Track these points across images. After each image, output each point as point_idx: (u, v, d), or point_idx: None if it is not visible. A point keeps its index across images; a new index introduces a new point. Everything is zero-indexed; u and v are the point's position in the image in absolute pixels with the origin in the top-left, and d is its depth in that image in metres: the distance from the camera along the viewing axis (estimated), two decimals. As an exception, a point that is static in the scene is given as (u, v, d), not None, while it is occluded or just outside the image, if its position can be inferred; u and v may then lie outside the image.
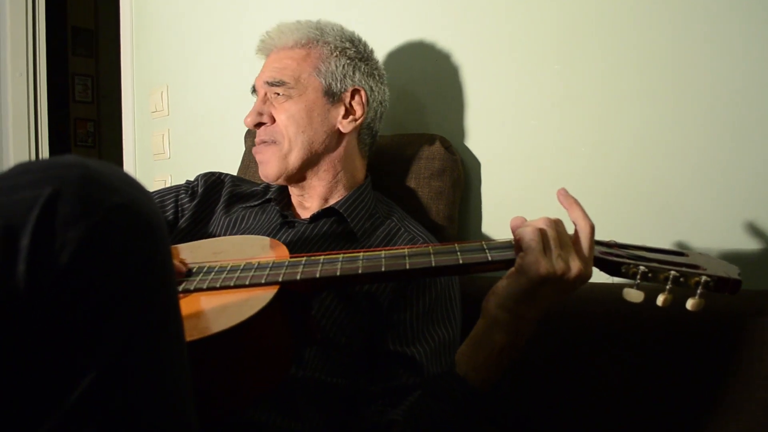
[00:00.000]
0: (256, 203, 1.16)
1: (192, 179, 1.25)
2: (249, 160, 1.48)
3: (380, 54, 1.40)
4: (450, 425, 0.83)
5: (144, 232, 0.54)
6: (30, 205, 0.49)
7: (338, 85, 1.09)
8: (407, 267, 0.78)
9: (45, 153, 2.71)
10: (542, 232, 0.76)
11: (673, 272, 0.75)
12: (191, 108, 1.90)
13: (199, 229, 1.15)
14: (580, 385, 1.04)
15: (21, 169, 0.52)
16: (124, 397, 0.53)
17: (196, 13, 1.88)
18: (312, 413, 0.93)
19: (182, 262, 0.89)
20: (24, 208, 0.49)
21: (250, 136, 1.52)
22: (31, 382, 0.50)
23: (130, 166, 2.10)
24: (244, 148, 1.53)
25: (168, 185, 1.92)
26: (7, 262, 0.48)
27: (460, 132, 1.33)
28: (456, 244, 0.81)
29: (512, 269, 0.78)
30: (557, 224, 0.78)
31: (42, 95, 2.70)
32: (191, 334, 0.69)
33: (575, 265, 0.76)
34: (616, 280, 0.82)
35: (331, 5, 1.53)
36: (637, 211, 1.13)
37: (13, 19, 2.58)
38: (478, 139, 1.31)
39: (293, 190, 1.15)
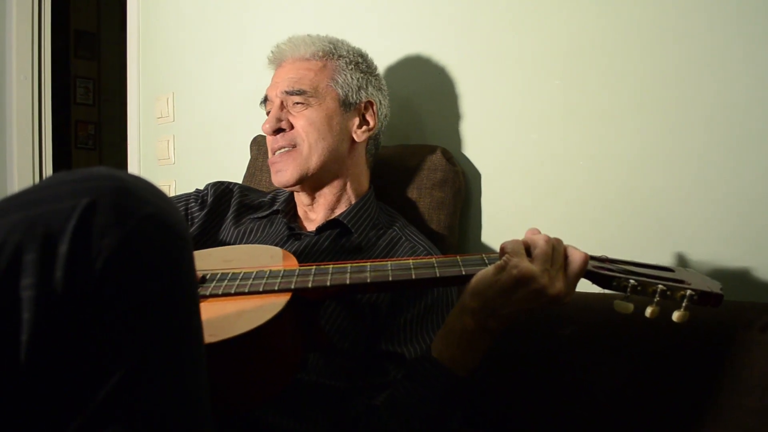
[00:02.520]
0: (264, 215, 1.18)
1: (201, 188, 1.27)
2: (255, 168, 1.50)
3: (384, 66, 1.43)
4: (425, 405, 0.86)
5: (171, 241, 0.57)
6: (68, 214, 0.53)
7: (354, 96, 1.14)
8: (413, 277, 0.82)
9: (48, 155, 2.74)
10: (526, 243, 0.80)
11: (660, 286, 0.80)
12: (197, 115, 1.93)
13: (208, 238, 1.18)
14: (571, 393, 1.07)
15: (58, 180, 0.56)
16: (148, 396, 0.56)
17: (202, 20, 1.91)
18: (314, 415, 0.96)
19: None
20: (62, 217, 0.53)
21: (255, 144, 1.54)
22: (63, 379, 0.53)
23: (134, 170, 2.13)
24: (249, 156, 1.55)
25: (173, 190, 1.96)
26: (46, 268, 0.51)
27: (462, 143, 1.36)
28: (458, 257, 0.85)
29: (498, 262, 0.80)
30: (554, 242, 0.81)
31: (46, 98, 2.72)
32: (209, 337, 0.72)
33: (558, 285, 0.79)
34: (608, 292, 0.85)
35: (336, 17, 1.56)
36: (635, 224, 1.15)
37: (18, 23, 2.60)
38: (479, 150, 1.34)
39: (301, 200, 1.17)
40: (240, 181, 1.48)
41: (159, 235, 0.56)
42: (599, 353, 1.06)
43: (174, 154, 1.99)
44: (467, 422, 1.03)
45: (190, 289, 0.60)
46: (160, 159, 2.03)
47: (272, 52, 1.19)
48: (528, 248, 0.81)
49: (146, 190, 0.57)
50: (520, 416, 1.12)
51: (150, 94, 2.08)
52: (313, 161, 1.10)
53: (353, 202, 1.15)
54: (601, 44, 1.19)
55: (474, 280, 0.82)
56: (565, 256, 0.82)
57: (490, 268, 0.80)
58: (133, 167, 2.14)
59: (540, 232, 0.85)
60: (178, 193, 1.31)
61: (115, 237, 0.53)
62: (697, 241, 1.09)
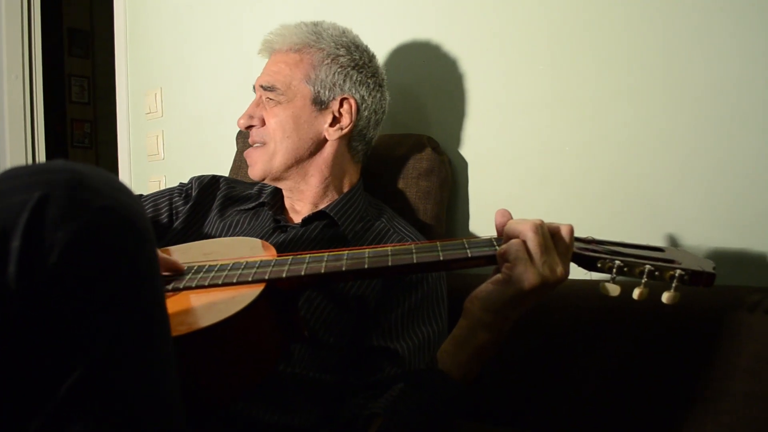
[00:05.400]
0: (249, 207, 1.17)
1: (185, 181, 1.26)
2: (241, 161, 1.50)
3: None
4: (432, 419, 0.85)
5: (129, 233, 0.56)
6: (20, 208, 0.52)
7: (327, 93, 1.10)
8: (389, 264, 0.80)
9: (41, 154, 2.72)
10: (527, 244, 0.78)
11: (648, 266, 0.76)
12: (185, 110, 1.92)
13: (193, 232, 1.17)
14: (559, 380, 1.06)
15: (10, 175, 0.55)
16: (111, 391, 0.55)
17: (190, 15, 1.90)
18: (301, 407, 0.95)
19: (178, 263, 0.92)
20: (14, 212, 0.51)
21: (241, 137, 1.53)
22: (22, 377, 0.52)
23: (125, 167, 2.12)
24: (236, 149, 1.55)
25: (163, 185, 1.95)
26: None
27: (448, 132, 1.34)
28: (438, 242, 0.83)
29: (498, 276, 0.79)
30: (541, 228, 0.79)
31: (38, 97, 2.70)
32: (179, 329, 0.71)
33: (559, 270, 0.78)
34: (595, 275, 0.83)
35: (322, 6, 1.55)
36: (624, 210, 1.14)
37: (8, 21, 2.58)
38: (465, 139, 1.33)
39: (285, 192, 1.17)
40: (226, 174, 1.48)
41: (115, 227, 0.55)
42: (586, 341, 1.05)
43: (163, 150, 1.98)
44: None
45: (151, 282, 0.58)
46: (149, 155, 2.02)
47: (263, 41, 1.17)
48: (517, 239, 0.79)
49: (103, 182, 0.56)
50: (510, 404, 1.11)
51: (138, 90, 2.07)
52: (277, 160, 1.10)
53: (337, 197, 1.14)
54: (588, 29, 1.18)
55: (483, 295, 0.81)
56: (553, 236, 0.80)
57: (495, 284, 0.80)
58: (124, 164, 2.12)
59: (510, 215, 0.83)
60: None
61: (69, 230, 0.52)
62: (686, 225, 1.08)
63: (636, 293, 0.77)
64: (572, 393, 1.05)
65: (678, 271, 0.76)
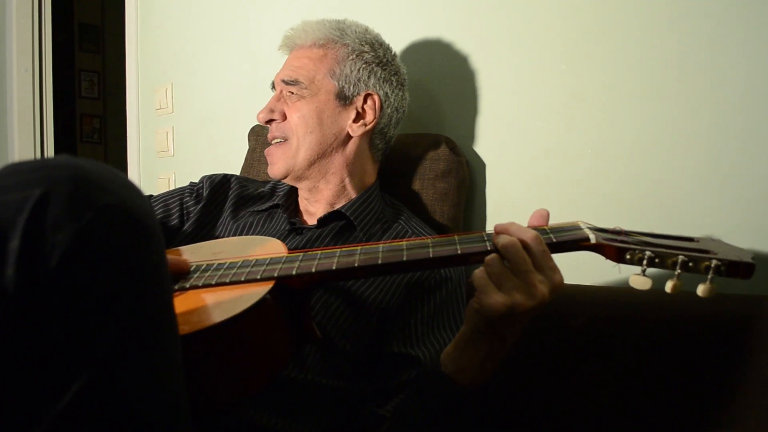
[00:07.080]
0: (263, 208, 1.15)
1: (196, 181, 1.23)
2: (252, 158, 1.47)
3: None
4: (437, 422, 0.81)
5: (135, 232, 0.53)
6: (19, 206, 0.49)
7: (351, 88, 1.09)
8: (404, 258, 0.76)
9: (50, 149, 2.72)
10: (489, 270, 0.73)
11: (681, 257, 0.71)
12: (195, 105, 1.90)
13: (205, 233, 1.14)
14: (577, 389, 1.03)
15: (11, 170, 0.52)
16: (117, 398, 0.52)
17: (201, 10, 1.88)
18: (312, 414, 0.92)
19: (184, 262, 0.89)
20: (13, 210, 0.49)
21: (254, 134, 1.51)
22: (23, 384, 0.50)
23: (134, 163, 2.10)
24: (247, 146, 1.52)
25: (172, 183, 1.93)
26: None
27: (466, 133, 1.31)
28: (456, 236, 0.79)
29: (473, 302, 0.75)
30: (507, 252, 0.72)
31: (48, 91, 2.69)
32: (183, 328, 0.68)
33: (539, 289, 0.72)
34: (623, 268, 0.78)
35: (338, 4, 1.52)
36: (642, 213, 1.12)
37: (19, 15, 2.58)
38: (483, 140, 1.30)
39: (302, 192, 1.14)
40: (238, 172, 1.45)
41: (120, 226, 0.52)
42: (603, 348, 1.02)
43: (173, 146, 1.96)
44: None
45: (158, 284, 0.55)
46: (159, 151, 2.00)
47: (284, 36, 1.16)
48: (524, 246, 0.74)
49: (107, 179, 0.53)
50: (524, 410, 1.08)
51: (149, 86, 2.05)
52: (300, 156, 1.08)
53: (354, 197, 1.11)
54: (606, 30, 1.15)
55: (470, 312, 0.77)
56: (527, 251, 0.73)
57: (469, 309, 0.76)
58: (133, 160, 2.10)
59: (547, 216, 0.79)
60: (178, 186, 1.28)
61: (71, 230, 0.49)
62: (704, 230, 1.05)
63: (669, 286, 0.71)
64: (587, 401, 1.02)
65: (714, 262, 0.70)
